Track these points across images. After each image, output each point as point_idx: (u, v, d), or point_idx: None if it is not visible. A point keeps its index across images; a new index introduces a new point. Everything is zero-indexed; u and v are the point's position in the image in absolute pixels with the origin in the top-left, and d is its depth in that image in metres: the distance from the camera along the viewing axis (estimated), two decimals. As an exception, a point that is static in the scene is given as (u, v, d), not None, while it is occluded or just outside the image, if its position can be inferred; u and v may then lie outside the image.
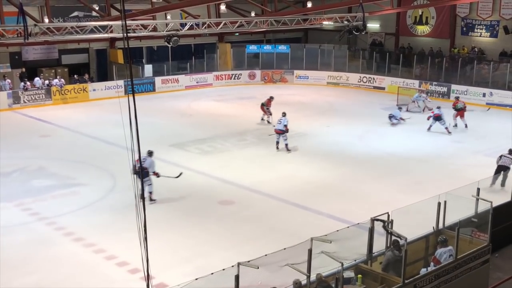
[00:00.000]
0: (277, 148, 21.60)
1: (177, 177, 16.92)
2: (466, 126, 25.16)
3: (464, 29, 35.93)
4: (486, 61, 33.20)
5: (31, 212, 15.48)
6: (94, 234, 14.05)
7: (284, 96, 32.83)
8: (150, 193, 16.08)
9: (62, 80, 30.89)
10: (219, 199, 16.66)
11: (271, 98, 26.76)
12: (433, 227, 11.53)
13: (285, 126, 21.41)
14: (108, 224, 14.70)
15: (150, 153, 16.38)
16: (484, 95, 30.34)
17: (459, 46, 35.93)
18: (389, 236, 10.29)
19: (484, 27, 35.00)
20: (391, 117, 26.17)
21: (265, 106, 26.52)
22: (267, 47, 39.15)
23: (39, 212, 15.47)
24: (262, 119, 26.63)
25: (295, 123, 25.69)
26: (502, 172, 17.07)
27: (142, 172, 13.92)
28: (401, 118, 26.22)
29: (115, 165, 18.65)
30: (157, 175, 16.30)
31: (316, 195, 16.95)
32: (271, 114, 26.06)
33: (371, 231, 10.14)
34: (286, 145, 21.48)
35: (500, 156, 17.57)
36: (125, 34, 7.02)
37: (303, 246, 9.02)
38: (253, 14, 31.64)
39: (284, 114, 21.91)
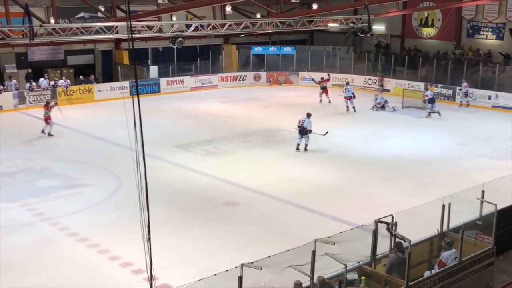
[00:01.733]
0: (297, 149, 21.80)
1: (324, 134, 21.56)
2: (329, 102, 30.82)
3: (470, 31, 35.87)
4: (492, 63, 33.12)
5: (36, 213, 15.53)
6: (98, 235, 14.08)
7: (290, 98, 32.89)
8: (306, 145, 21.38)
9: (68, 81, 30.98)
10: (224, 200, 16.67)
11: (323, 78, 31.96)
12: (437, 230, 11.50)
13: (307, 127, 21.69)
14: (112, 225, 14.73)
15: (308, 115, 21.54)
16: (489, 97, 30.26)
17: (464, 48, 35.85)
18: (393, 238, 10.27)
19: (490, 30, 34.93)
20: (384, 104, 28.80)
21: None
22: (273, 49, 39.16)
23: (43, 213, 15.52)
24: (321, 101, 31.15)
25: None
26: None
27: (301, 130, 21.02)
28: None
29: (120, 166, 18.68)
30: (310, 132, 20.95)
31: (320, 197, 16.94)
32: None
33: (375, 233, 10.11)
34: (306, 145, 21.74)
35: None
36: (130, 35, 7.03)
37: (306, 248, 9.02)
38: (258, 15, 31.67)
39: (308, 116, 22.07)
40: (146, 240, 7.38)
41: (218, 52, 38.32)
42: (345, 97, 29.36)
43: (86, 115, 28.03)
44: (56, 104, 24.45)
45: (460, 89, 31.11)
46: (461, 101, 31.02)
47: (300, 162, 20.63)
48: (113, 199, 16.72)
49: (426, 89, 30.09)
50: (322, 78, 32.38)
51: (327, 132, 21.98)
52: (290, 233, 14.13)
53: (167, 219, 14.90)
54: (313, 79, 32.18)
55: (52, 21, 23.72)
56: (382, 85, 33.47)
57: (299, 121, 21.81)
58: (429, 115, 27.88)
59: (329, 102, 31.22)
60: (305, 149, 21.69)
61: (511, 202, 13.26)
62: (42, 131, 23.86)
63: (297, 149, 21.78)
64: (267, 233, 14.42)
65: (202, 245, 13.66)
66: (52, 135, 23.81)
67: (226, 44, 38.88)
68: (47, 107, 24.23)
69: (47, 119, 23.94)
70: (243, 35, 36.43)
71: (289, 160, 20.94)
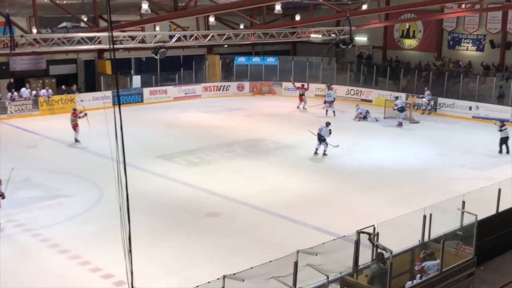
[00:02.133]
0: (316, 153, 22.73)
1: (335, 146, 22.26)
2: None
3: (451, 43, 36.29)
4: (473, 74, 33.50)
5: (16, 224, 15.36)
6: (79, 246, 13.97)
7: (273, 108, 32.96)
8: (324, 150, 22.46)
9: (50, 90, 30.77)
10: (206, 211, 16.63)
11: (303, 85, 32.57)
12: (419, 240, 11.58)
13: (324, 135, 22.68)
14: (94, 236, 14.62)
15: (327, 124, 22.80)
16: (470, 108, 30.58)
17: (446, 59, 36.23)
18: (374, 248, 10.32)
19: (471, 41, 35.35)
20: (366, 115, 29.31)
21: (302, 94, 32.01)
22: (256, 59, 39.27)
23: (24, 224, 15.37)
24: (298, 107, 31.90)
25: (283, 135, 25.87)
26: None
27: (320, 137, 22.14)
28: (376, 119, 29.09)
29: (102, 176, 18.57)
30: (324, 140, 22.21)
31: (303, 207, 16.96)
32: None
33: (357, 244, 10.17)
34: (325, 151, 22.64)
35: None
36: (111, 46, 7.02)
37: (289, 259, 9.03)
38: (242, 26, 31.77)
39: (327, 124, 22.88)
40: (127, 251, 7.34)
41: (202, 62, 38.33)
42: (326, 101, 30.73)
43: (68, 125, 27.77)
44: (85, 115, 24.44)
45: (422, 97, 31.77)
46: (423, 109, 31.74)
47: (283, 172, 20.66)
48: (95, 209, 16.60)
49: (396, 98, 30.48)
50: (302, 85, 33.08)
51: (338, 145, 22.74)
52: (273, 243, 14.13)
53: (149, 230, 14.84)
54: (293, 84, 33.89)
55: (34, 30, 23.64)
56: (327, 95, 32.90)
57: (319, 129, 22.69)
58: (400, 124, 28.20)
59: (303, 108, 32.30)
60: (324, 154, 22.64)
61: (491, 213, 13.38)
62: (76, 140, 24.23)
63: (315, 153, 22.72)
64: (250, 243, 14.41)
65: (184, 256, 13.61)
66: (79, 141, 24.12)
67: (210, 54, 38.93)
68: (75, 114, 24.53)
69: (74, 126, 24.30)
70: (226, 46, 36.50)
71: (272, 170, 20.96)
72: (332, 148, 22.77)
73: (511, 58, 33.34)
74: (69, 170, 20.34)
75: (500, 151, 23.71)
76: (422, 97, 31.84)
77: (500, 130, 23.55)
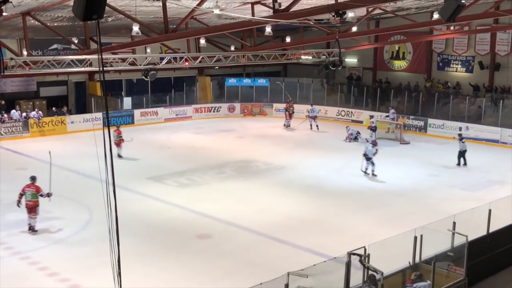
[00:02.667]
0: (365, 172, 22.91)
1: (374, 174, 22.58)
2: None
3: (440, 64, 36.61)
4: (462, 95, 33.76)
5: (5, 247, 15.20)
6: (68, 269, 13.84)
7: (264, 129, 33.03)
8: (373, 170, 22.60)
9: (40, 112, 30.73)
10: (197, 233, 16.54)
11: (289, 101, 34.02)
12: (409, 262, 11.56)
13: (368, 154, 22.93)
14: (83, 259, 14.49)
15: (373, 144, 23.70)
16: (460, 129, 30.73)
17: (435, 81, 36.54)
18: (365, 270, 10.28)
19: (460, 63, 35.68)
20: (356, 136, 29.64)
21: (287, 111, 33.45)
22: (247, 81, 39.46)
23: (13, 247, 15.22)
24: (284, 124, 33.16)
25: (274, 156, 25.88)
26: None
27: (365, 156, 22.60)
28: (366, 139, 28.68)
29: (91, 199, 18.43)
30: (370, 159, 22.53)
31: (294, 229, 16.91)
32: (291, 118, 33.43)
33: (348, 265, 10.13)
34: (373, 170, 22.81)
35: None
36: (101, 68, 7.04)
37: (280, 281, 8.99)
38: (232, 48, 31.94)
39: (374, 144, 23.47)
40: (116, 274, 7.29)
41: (193, 83, 38.47)
42: (310, 117, 33.06)
43: (58, 147, 27.71)
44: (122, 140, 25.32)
45: (387, 116, 32.21)
46: (388, 127, 32.05)
47: (274, 193, 20.63)
48: (84, 232, 16.48)
49: (371, 116, 30.79)
50: (289, 102, 34.34)
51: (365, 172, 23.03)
52: (264, 265, 14.06)
53: (139, 252, 14.73)
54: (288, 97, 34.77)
55: (25, 52, 23.63)
56: (289, 112, 34.30)
57: (365, 148, 23.33)
58: (375, 143, 28.13)
59: (287, 125, 33.51)
60: (373, 174, 22.74)
61: (482, 233, 13.39)
62: (119, 155, 24.64)
63: (365, 173, 22.93)
64: (241, 265, 14.32)
65: (175, 278, 13.50)
66: (121, 156, 24.80)
67: (201, 75, 39.06)
68: (119, 131, 25.32)
69: (118, 142, 24.88)
70: (217, 67, 36.66)
71: (263, 191, 20.93)
72: (324, 169, 22.80)
73: (500, 79, 33.64)
74: (58, 192, 20.07)
75: (458, 164, 24.72)
76: (387, 116, 32.29)
77: (460, 142, 24.96)
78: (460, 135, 25.87)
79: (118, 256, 7.32)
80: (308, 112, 33.45)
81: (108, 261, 7.54)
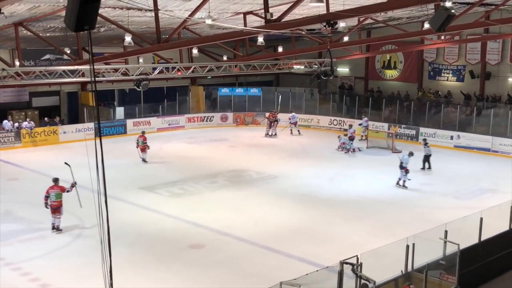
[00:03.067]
0: (398, 184, 22.91)
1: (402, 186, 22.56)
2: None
3: (432, 73, 36.79)
4: (453, 104, 33.94)
5: (-4, 258, 15.15)
6: (60, 280, 13.78)
7: (256, 138, 33.04)
8: (404, 181, 22.57)
9: (32, 122, 30.66)
10: (189, 242, 16.51)
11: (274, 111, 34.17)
12: (402, 271, 11.58)
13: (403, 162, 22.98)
14: (75, 270, 14.42)
15: (410, 154, 23.13)
16: (452, 137, 30.90)
17: (426, 90, 36.72)
18: (358, 279, 10.30)
19: (451, 72, 35.88)
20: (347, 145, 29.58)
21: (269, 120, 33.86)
22: (239, 90, 39.54)
23: (4, 257, 15.12)
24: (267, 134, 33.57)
25: (267, 165, 25.90)
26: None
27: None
28: (353, 150, 29.41)
29: (84, 209, 18.29)
30: (404, 168, 22.55)
31: (287, 238, 16.92)
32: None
33: (341, 274, 10.14)
34: (404, 181, 22.81)
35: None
36: (93, 79, 7.06)
37: (272, 291, 9.00)
38: (225, 58, 32.01)
39: (410, 154, 23.35)
40: (108, 285, 7.27)
41: (185, 93, 38.48)
42: (291, 123, 34.09)
43: (51, 157, 27.65)
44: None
45: (360, 124, 32.82)
46: (362, 135, 32.49)
47: (267, 203, 20.64)
48: (76, 242, 16.42)
49: (350, 126, 31.31)
50: (272, 113, 34.45)
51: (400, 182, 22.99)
52: (257, 275, 14.05)
53: (131, 262, 14.70)
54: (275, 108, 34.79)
55: (17, 63, 23.61)
56: (270, 121, 34.47)
57: (399, 157, 23.41)
58: (353, 151, 29.36)
59: (267, 134, 33.73)
60: (403, 186, 22.77)
61: (474, 242, 13.44)
62: (143, 160, 26.38)
63: (398, 184, 22.93)
64: (233, 275, 14.30)
65: (167, 289, 13.47)
66: (146, 161, 26.23)
67: (193, 85, 39.11)
68: (144, 137, 26.72)
69: (143, 148, 26.53)
70: (210, 77, 36.72)
71: (256, 200, 20.94)
72: (317, 178, 22.81)
73: (491, 88, 33.84)
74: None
75: (423, 168, 25.44)
76: (360, 124, 32.72)
77: (425, 147, 25.92)
78: (424, 140, 26.93)
79: (110, 267, 7.32)
80: (289, 119, 34.47)
81: (100, 271, 7.53)
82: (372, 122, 33.76)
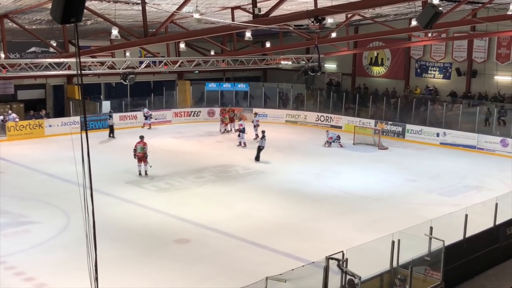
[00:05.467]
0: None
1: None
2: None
3: (418, 70, 36.96)
4: (440, 101, 34.13)
5: (-20, 251, 15.02)
6: (45, 274, 13.69)
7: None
8: None
9: (14, 114, 30.33)
10: (175, 237, 16.47)
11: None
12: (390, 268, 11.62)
13: None
14: (60, 264, 14.34)
15: None
16: (438, 135, 31.07)
17: (413, 87, 36.89)
18: (344, 274, 10.32)
19: (438, 69, 36.06)
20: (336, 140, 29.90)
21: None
22: (227, 85, 39.48)
23: (-12, 251, 15.03)
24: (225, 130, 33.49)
25: (253, 161, 25.88)
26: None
27: None
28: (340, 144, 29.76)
29: (69, 203, 18.30)
30: None
31: (272, 234, 16.93)
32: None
33: (326, 270, 10.15)
34: None
35: None
36: (79, 72, 7.00)
37: (258, 286, 9.00)
38: (212, 52, 31.93)
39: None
40: (93, 279, 7.23)
41: (172, 87, 38.36)
42: (254, 126, 32.17)
43: (36, 150, 27.49)
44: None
45: (252, 121, 32.51)
46: (144, 123, 34.00)
47: (253, 198, 20.64)
48: (61, 236, 16.32)
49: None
50: (228, 109, 34.81)
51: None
52: (242, 270, 14.05)
53: (117, 257, 14.64)
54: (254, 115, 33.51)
55: (2, 55, 23.40)
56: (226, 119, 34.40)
57: None
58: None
59: (223, 130, 33.70)
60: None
61: (458, 238, 13.53)
62: (144, 173, 23.48)
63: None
64: (219, 270, 14.30)
65: (153, 283, 13.42)
66: (147, 175, 23.09)
67: (180, 80, 38.99)
68: (143, 142, 23.30)
69: (141, 157, 23.14)
70: (197, 72, 36.63)
71: (242, 196, 20.93)
72: (303, 174, 22.82)
73: (477, 86, 34.06)
74: (36, 197, 20.02)
75: (257, 159, 25.89)
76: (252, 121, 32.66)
77: (261, 139, 26.42)
78: (262, 136, 26.81)
79: (95, 261, 7.27)
80: (253, 121, 32.45)
81: (85, 265, 7.48)
82: (359, 119, 33.87)
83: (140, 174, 23.03)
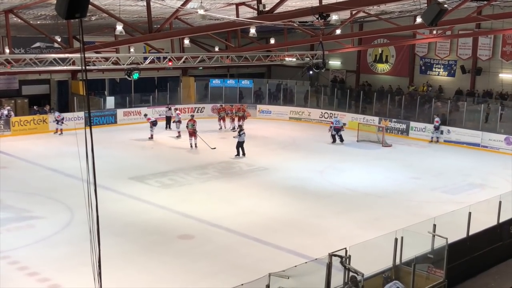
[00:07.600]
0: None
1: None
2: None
3: (423, 68, 36.86)
4: (444, 99, 34.05)
5: (-16, 246, 15.08)
6: (49, 269, 13.73)
7: (247, 130, 32.87)
8: None
9: (8, 108, 30.36)
10: (179, 233, 16.50)
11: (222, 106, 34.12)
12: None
13: None
14: (64, 259, 14.39)
15: None
16: (442, 132, 30.99)
17: (417, 84, 36.81)
18: (346, 271, 10.33)
19: (442, 67, 35.95)
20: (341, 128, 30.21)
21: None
22: (231, 82, 39.45)
23: (-8, 246, 15.08)
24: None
25: (257, 157, 25.90)
26: None
27: None
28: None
29: (73, 198, 18.32)
30: None
31: (276, 230, 16.94)
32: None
33: (329, 267, 10.15)
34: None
35: None
36: (83, 67, 7.01)
37: (260, 282, 9.00)
38: (216, 49, 31.91)
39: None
40: (97, 274, 7.25)
41: (176, 83, 38.36)
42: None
43: (40, 145, 27.55)
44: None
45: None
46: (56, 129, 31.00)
47: (257, 195, 20.65)
48: (65, 232, 16.36)
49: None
50: (221, 107, 34.56)
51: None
52: (245, 266, 14.07)
53: (120, 252, 14.67)
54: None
55: (7, 50, 23.43)
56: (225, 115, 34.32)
57: None
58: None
59: (221, 128, 33.57)
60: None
61: (462, 236, 13.51)
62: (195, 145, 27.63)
63: None
64: (222, 266, 14.32)
65: (156, 279, 13.46)
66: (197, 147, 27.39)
67: (185, 76, 38.98)
68: (193, 120, 28.07)
69: (191, 132, 27.64)
70: (201, 68, 36.62)
71: (246, 192, 20.94)
72: (307, 171, 22.80)
73: (482, 83, 33.96)
74: (39, 192, 20.07)
75: (238, 154, 26.13)
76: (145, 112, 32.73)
77: (239, 135, 26.41)
78: (240, 130, 26.98)
79: (99, 256, 7.29)
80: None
81: (89, 261, 7.50)
82: (363, 116, 33.84)
83: (191, 146, 27.53)
